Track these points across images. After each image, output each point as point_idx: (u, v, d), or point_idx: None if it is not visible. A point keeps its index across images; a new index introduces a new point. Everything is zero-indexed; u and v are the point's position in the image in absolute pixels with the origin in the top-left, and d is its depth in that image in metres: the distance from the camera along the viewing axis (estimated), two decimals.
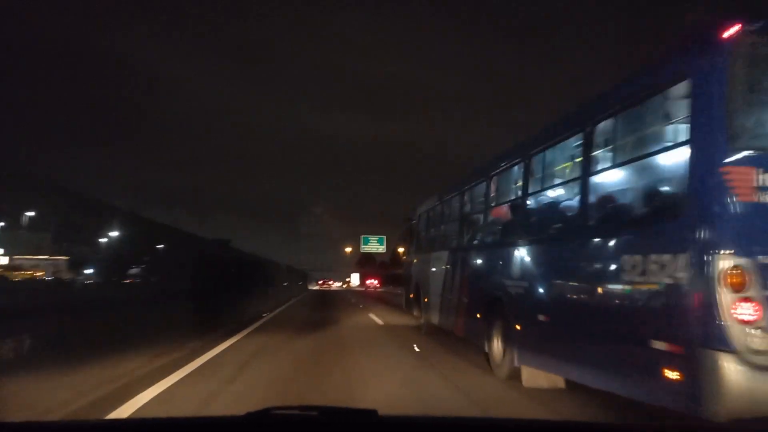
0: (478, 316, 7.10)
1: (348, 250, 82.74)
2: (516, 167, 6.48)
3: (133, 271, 16.45)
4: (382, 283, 74.44)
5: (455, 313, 8.29)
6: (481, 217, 7.70)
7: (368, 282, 74.42)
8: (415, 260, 12.06)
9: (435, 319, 9.76)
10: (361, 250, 61.77)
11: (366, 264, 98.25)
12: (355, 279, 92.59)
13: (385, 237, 58.72)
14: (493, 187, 7.32)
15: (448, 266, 8.92)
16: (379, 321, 14.24)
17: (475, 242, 7.97)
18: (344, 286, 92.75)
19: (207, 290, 12.23)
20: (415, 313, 11.78)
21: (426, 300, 10.60)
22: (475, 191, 8.22)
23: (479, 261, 7.48)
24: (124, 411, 4.36)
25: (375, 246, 60.85)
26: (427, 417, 2.13)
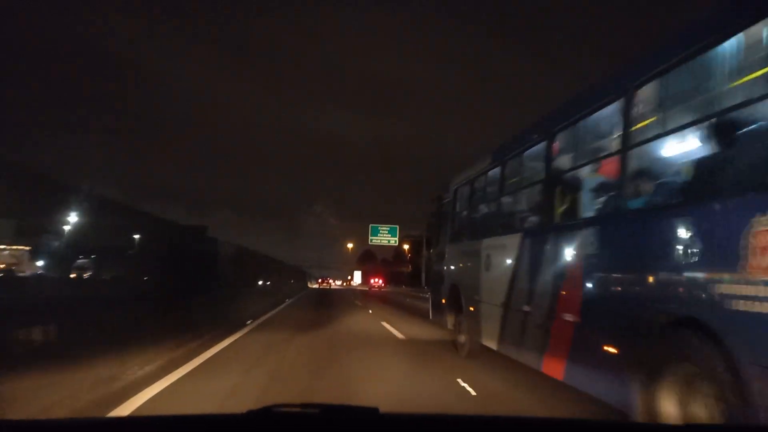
0: (614, 350, 3.77)
1: (350, 246, 78.94)
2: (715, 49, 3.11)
3: (80, 262, 13.06)
4: (386, 282, 71.00)
5: (543, 338, 4.95)
6: (611, 168, 4.27)
7: (372, 281, 70.47)
8: (451, 252, 8.69)
9: (490, 339, 6.47)
10: (370, 243, 52.38)
11: (367, 261, 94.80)
12: (357, 277, 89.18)
13: (397, 227, 49.36)
14: (636, 112, 3.94)
15: (523, 258, 5.59)
16: (398, 334, 10.94)
17: (593, 214, 4.55)
18: (345, 284, 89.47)
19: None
20: (449, 325, 8.47)
21: (472, 309, 7.27)
22: (582, 128, 4.87)
23: (608, 247, 4.07)
24: None
25: (386, 237, 50.21)
26: (427, 414, 1.83)
